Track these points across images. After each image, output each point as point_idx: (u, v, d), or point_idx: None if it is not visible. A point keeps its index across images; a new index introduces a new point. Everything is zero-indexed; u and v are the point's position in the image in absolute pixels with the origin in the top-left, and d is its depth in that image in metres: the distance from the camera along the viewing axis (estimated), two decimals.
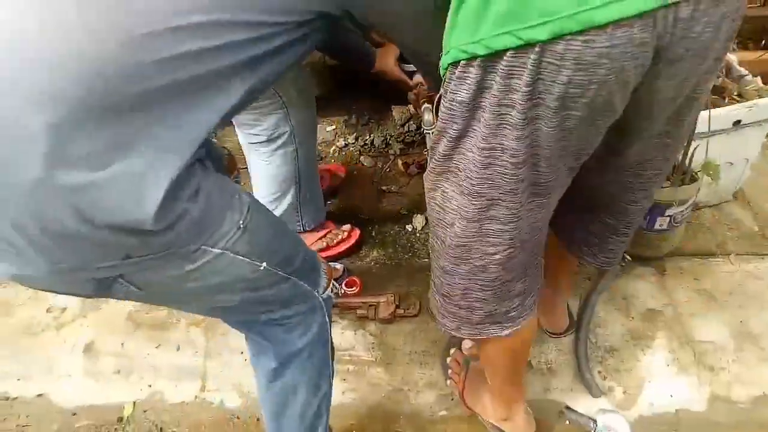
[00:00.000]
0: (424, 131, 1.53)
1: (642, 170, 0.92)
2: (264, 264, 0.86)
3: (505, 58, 0.64)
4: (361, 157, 2.08)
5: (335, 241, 1.72)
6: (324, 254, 1.72)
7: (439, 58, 0.74)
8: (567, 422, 1.34)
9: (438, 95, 0.78)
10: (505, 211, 0.79)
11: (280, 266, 0.91)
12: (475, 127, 0.73)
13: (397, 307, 1.55)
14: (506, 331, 0.96)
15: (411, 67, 1.60)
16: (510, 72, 0.65)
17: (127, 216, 0.67)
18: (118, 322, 1.65)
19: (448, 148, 0.78)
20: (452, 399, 1.41)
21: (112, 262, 0.72)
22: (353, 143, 2.13)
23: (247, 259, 0.83)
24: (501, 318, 0.95)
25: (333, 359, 1.13)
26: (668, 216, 1.46)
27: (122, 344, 1.60)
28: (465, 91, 0.70)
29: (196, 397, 1.48)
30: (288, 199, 1.58)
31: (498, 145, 0.72)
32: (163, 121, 0.69)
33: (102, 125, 0.65)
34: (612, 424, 0.91)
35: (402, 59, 1.61)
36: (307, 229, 1.68)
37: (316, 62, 2.03)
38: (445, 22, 0.72)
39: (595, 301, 1.50)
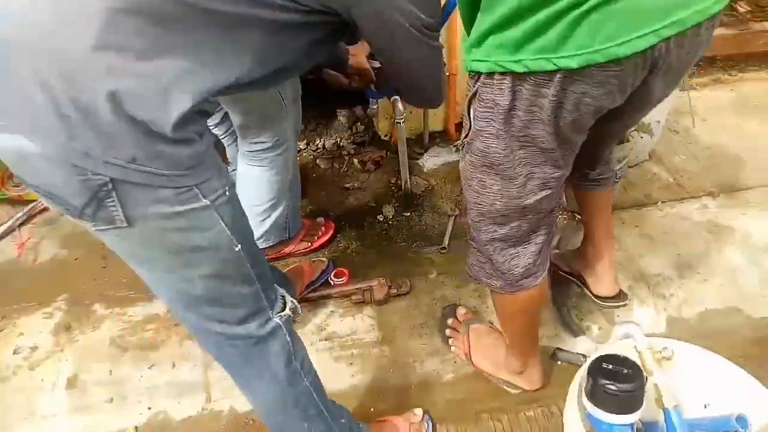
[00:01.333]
0: (396, 121, 1.65)
1: (628, 123, 1.19)
2: (239, 247, 0.88)
3: (538, 74, 0.81)
4: (317, 161, 2.15)
5: (316, 237, 1.78)
6: (307, 251, 1.77)
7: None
8: (559, 362, 1.50)
9: (468, 99, 0.94)
10: (539, 182, 0.97)
11: (251, 259, 0.92)
12: (511, 123, 0.89)
13: (390, 287, 1.63)
14: (538, 281, 1.14)
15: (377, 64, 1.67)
16: (540, 83, 0.83)
17: (151, 112, 0.73)
18: (100, 349, 1.57)
19: (485, 145, 0.94)
20: (455, 362, 1.51)
21: (119, 161, 0.73)
22: (305, 149, 2.19)
23: (227, 231, 0.86)
24: (534, 269, 1.12)
25: (307, 376, 1.10)
26: None
27: (110, 371, 1.52)
28: (503, 98, 0.87)
29: (203, 409, 1.45)
30: (281, 207, 1.61)
31: (530, 135, 0.90)
32: (201, 46, 0.77)
33: (151, 25, 0.72)
34: (630, 331, 1.06)
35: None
36: (291, 236, 1.72)
37: None
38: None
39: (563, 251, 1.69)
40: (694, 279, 1.66)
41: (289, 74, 1.04)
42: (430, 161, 2.10)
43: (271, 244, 1.69)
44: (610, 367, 0.93)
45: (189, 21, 0.75)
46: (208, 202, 0.82)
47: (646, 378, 0.94)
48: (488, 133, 0.93)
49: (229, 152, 1.73)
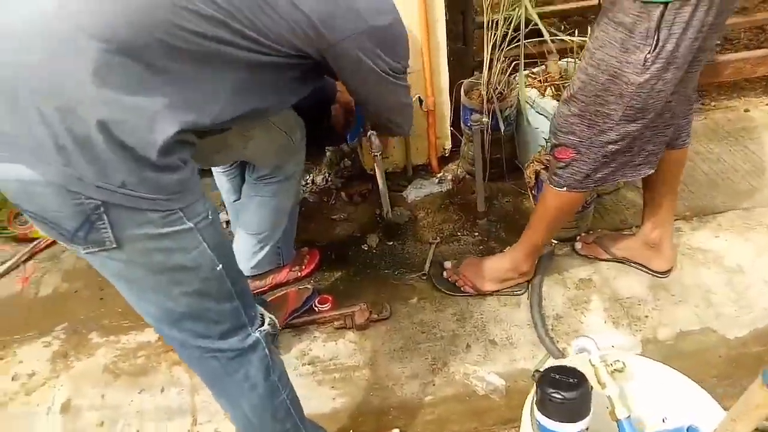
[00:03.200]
0: (374, 154, 1.75)
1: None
2: (221, 266, 0.96)
3: None
4: (306, 195, 2.24)
5: (303, 266, 1.86)
6: (296, 279, 1.84)
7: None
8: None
9: None
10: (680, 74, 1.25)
11: (231, 278, 0.99)
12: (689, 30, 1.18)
13: (371, 313, 1.69)
14: (652, 171, 1.46)
15: None
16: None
17: (138, 138, 0.82)
18: (94, 375, 1.64)
19: (674, 47, 1.19)
20: (434, 384, 1.56)
21: (110, 186, 0.82)
22: None
23: (209, 252, 0.94)
24: (653, 159, 1.43)
25: (284, 389, 1.16)
26: None
27: (102, 396, 1.59)
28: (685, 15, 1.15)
29: (188, 431, 1.51)
30: (278, 235, 1.71)
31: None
32: (182, 84, 0.86)
33: (136, 64, 0.82)
34: (585, 345, 1.11)
35: None
36: (285, 263, 1.81)
37: None
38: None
39: (541, 280, 1.76)
40: (669, 301, 1.71)
41: (275, 109, 1.14)
42: (414, 193, 2.18)
43: (265, 270, 1.77)
44: (557, 377, 0.98)
45: (169, 61, 0.85)
46: (192, 225, 0.90)
47: (592, 387, 0.99)
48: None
49: (221, 181, 1.80)
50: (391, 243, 1.98)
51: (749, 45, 2.81)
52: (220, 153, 1.42)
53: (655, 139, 1.41)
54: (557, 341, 1.63)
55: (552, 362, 1.04)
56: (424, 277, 1.83)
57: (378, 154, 1.75)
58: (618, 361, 1.10)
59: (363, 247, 1.98)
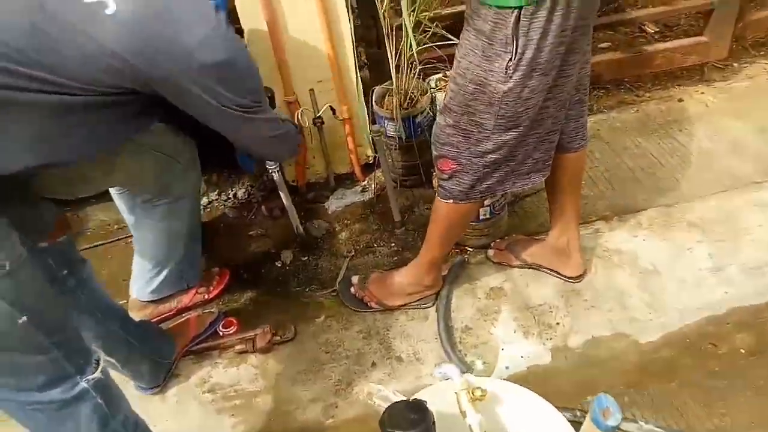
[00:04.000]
0: (269, 170, 1.69)
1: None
2: (24, 318, 0.89)
3: None
4: (227, 211, 2.18)
5: (211, 288, 1.80)
6: (204, 302, 1.78)
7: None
8: None
9: None
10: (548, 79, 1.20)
11: (46, 329, 0.93)
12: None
13: (274, 334, 1.64)
14: (543, 178, 1.42)
15: None
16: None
17: None
18: None
19: (534, 54, 1.14)
20: (337, 407, 1.51)
21: None
22: (216, 198, 2.23)
23: (6, 305, 0.88)
24: (542, 166, 1.39)
25: None
26: (487, 206, 1.71)
27: None
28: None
29: None
30: (175, 260, 1.64)
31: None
32: None
33: None
34: (446, 371, 1.07)
35: None
36: (190, 286, 1.75)
37: None
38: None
39: (449, 292, 1.70)
40: (581, 306, 1.66)
41: (115, 146, 1.08)
42: (335, 203, 2.13)
43: (165, 296, 1.71)
44: (398, 414, 0.94)
45: None
46: None
47: (434, 421, 0.94)
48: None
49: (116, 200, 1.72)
50: (306, 258, 1.93)
51: (689, 31, 2.74)
52: (77, 186, 1.36)
53: (540, 147, 1.35)
54: (465, 354, 1.58)
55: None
56: (334, 294, 1.78)
57: (273, 168, 1.69)
58: (479, 388, 1.05)
59: (277, 263, 1.92)
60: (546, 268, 1.72)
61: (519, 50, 1.13)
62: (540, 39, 1.12)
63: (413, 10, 1.73)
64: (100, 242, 2.09)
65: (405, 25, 1.76)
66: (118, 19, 0.90)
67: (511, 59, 1.15)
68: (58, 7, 0.88)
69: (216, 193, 2.25)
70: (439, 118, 1.35)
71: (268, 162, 1.68)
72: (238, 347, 1.63)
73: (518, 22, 1.10)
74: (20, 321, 0.90)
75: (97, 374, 1.02)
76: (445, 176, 1.38)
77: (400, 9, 1.84)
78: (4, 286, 0.88)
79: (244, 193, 2.23)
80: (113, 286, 1.77)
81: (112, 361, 1.43)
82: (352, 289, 1.72)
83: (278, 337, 1.64)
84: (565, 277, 1.69)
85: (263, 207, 2.15)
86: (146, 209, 1.55)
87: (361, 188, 2.18)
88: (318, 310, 1.74)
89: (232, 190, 2.25)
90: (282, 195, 1.78)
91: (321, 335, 1.67)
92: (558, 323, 1.62)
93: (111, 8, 0.90)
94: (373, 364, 1.58)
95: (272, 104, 1.73)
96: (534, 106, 1.23)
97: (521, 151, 1.33)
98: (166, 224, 1.58)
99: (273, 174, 1.70)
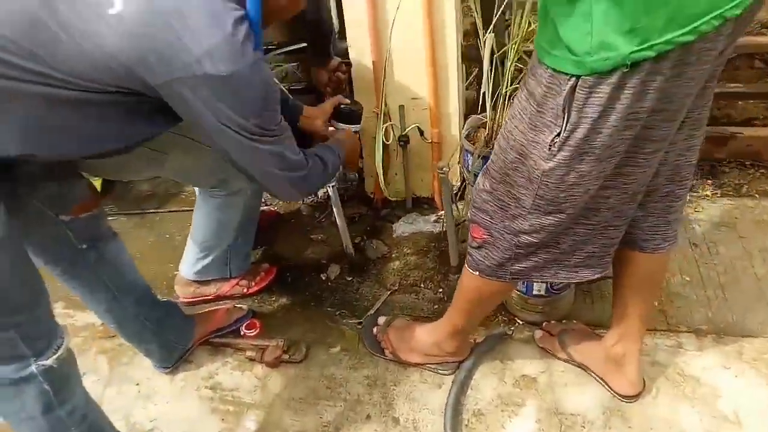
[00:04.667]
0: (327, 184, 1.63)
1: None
2: None
3: None
4: (302, 207, 2.18)
5: (252, 283, 1.82)
6: (241, 296, 1.81)
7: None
8: None
9: None
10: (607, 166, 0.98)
11: (7, 308, 0.96)
12: None
13: (284, 352, 1.60)
14: (596, 276, 1.16)
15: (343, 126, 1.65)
16: None
17: None
18: None
19: (587, 134, 0.94)
20: None
21: None
22: None
23: None
24: (595, 263, 1.15)
25: (76, 427, 1.12)
26: (543, 282, 1.47)
27: None
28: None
29: None
30: (222, 247, 1.69)
31: None
32: None
33: None
34: None
35: (338, 116, 1.64)
36: (233, 276, 1.79)
37: None
38: None
39: (474, 365, 1.52)
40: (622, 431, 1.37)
41: (119, 143, 1.10)
42: (403, 227, 2.01)
43: (208, 279, 1.77)
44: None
45: None
46: None
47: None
48: None
49: None
50: (351, 278, 1.85)
51: None
52: (125, 173, 1.41)
53: (595, 240, 1.11)
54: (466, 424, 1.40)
55: None
56: (360, 327, 1.68)
57: (331, 183, 1.62)
58: None
59: (322, 276, 1.87)
60: (594, 373, 1.44)
61: (569, 126, 0.92)
62: (599, 118, 0.89)
63: (515, 41, 1.52)
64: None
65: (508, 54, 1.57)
66: (122, 20, 0.88)
67: (558, 134, 0.94)
68: (61, 4, 0.88)
69: None
70: (479, 179, 1.17)
71: None
72: (249, 353, 1.62)
73: (573, 93, 0.89)
74: None
75: (50, 361, 1.04)
76: (475, 244, 1.20)
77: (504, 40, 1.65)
78: None
79: (324, 193, 2.21)
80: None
81: (123, 337, 1.51)
82: (375, 329, 1.61)
83: (287, 356, 1.60)
84: (614, 391, 1.40)
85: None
86: (204, 196, 1.61)
87: (435, 218, 2.04)
88: (337, 339, 1.66)
89: None
90: (335, 211, 1.72)
91: (329, 367, 1.59)
92: None
93: (116, 8, 0.88)
94: (368, 417, 1.47)
95: (356, 121, 1.66)
96: (583, 194, 1.00)
97: (567, 240, 1.10)
98: (219, 214, 1.61)
99: (329, 188, 1.63)
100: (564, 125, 0.92)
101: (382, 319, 1.63)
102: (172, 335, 1.57)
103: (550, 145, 0.95)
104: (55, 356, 1.06)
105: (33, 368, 1.03)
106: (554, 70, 0.90)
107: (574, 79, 0.88)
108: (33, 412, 1.06)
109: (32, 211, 1.16)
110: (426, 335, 1.51)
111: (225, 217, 1.63)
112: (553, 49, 0.89)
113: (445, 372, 1.51)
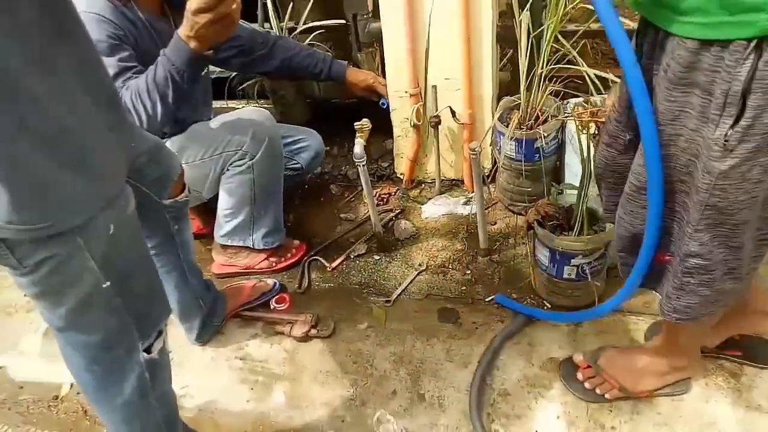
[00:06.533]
0: (356, 163, 1.63)
1: None
2: (108, 284, 0.92)
3: None
4: (332, 186, 2.20)
5: (283, 259, 1.85)
6: (269, 270, 1.85)
7: None
8: None
9: None
10: None
11: (125, 295, 0.96)
12: None
13: (313, 327, 1.63)
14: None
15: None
16: None
17: None
18: None
19: None
20: (343, 421, 1.45)
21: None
22: (328, 171, 2.26)
23: (97, 267, 0.89)
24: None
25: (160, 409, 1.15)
26: (575, 266, 1.45)
27: None
28: None
29: None
30: (241, 215, 1.73)
31: None
32: None
33: None
34: None
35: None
36: (257, 248, 1.82)
37: (290, 96, 2.22)
38: None
39: (499, 343, 1.51)
40: (650, 419, 1.34)
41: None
42: (432, 209, 2.01)
43: (235, 244, 1.80)
44: None
45: None
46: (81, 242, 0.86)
47: None
48: None
49: None
50: (379, 257, 1.86)
51: None
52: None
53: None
54: (492, 420, 1.40)
55: None
56: (387, 305, 1.69)
57: (361, 163, 1.63)
58: None
59: (351, 254, 1.89)
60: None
61: (753, 110, 0.79)
62: None
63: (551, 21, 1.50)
64: None
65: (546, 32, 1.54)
66: None
67: (734, 124, 0.81)
68: None
69: (330, 166, 2.27)
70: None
71: (355, 154, 1.63)
72: (278, 327, 1.65)
73: (755, 69, 0.75)
74: (104, 285, 0.92)
75: (153, 354, 1.06)
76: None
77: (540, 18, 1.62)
78: (101, 248, 0.88)
79: (354, 173, 2.22)
80: None
81: (176, 314, 1.54)
82: (580, 375, 1.40)
83: (315, 330, 1.62)
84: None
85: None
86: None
87: (465, 200, 2.02)
88: (364, 316, 1.68)
89: (344, 168, 2.25)
90: (365, 190, 1.72)
91: (356, 343, 1.61)
92: (614, 428, 1.35)
93: None
94: (394, 392, 1.48)
95: None
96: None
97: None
98: (232, 185, 1.67)
99: (358, 167, 1.64)
100: (739, 109, 0.80)
101: (579, 358, 1.42)
102: (212, 314, 1.61)
103: (725, 139, 0.82)
104: (161, 338, 1.08)
105: (139, 357, 1.05)
106: (720, 41, 0.77)
107: (755, 50, 0.74)
108: (131, 397, 1.08)
109: (141, 197, 1.13)
110: (644, 360, 1.36)
111: (237, 190, 1.67)
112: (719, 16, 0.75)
113: (680, 392, 1.37)
